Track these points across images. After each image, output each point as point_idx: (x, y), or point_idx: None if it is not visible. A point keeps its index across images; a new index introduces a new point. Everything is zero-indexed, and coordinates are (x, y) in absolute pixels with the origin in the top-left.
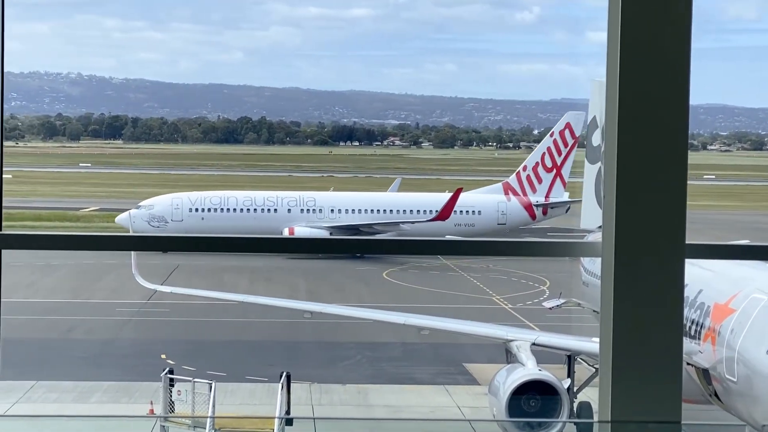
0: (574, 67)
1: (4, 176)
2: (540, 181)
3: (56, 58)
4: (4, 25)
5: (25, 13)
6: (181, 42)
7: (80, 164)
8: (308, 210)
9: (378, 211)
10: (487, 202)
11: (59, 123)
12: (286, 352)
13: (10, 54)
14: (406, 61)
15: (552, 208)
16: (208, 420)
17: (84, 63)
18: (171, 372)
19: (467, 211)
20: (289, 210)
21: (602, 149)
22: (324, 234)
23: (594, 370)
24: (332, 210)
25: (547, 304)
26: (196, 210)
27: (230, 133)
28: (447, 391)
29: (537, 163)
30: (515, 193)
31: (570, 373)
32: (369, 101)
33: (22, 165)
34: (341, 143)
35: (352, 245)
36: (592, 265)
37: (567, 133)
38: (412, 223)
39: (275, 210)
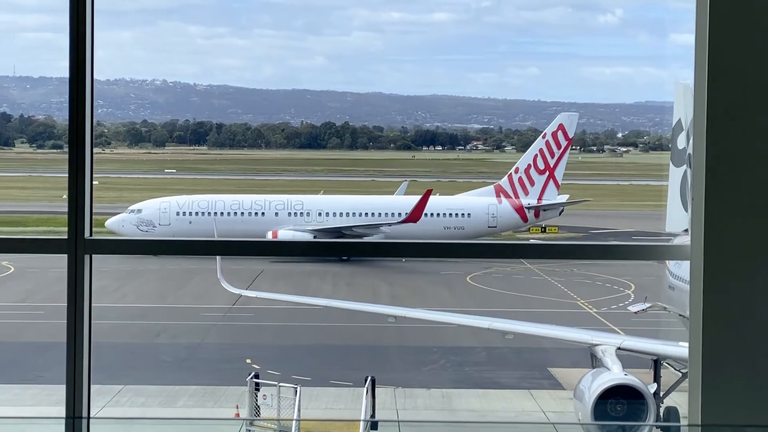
0: (658, 70)
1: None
2: (532, 183)
3: (141, 65)
4: (93, 34)
5: (111, 21)
6: (264, 48)
7: (165, 170)
8: (296, 213)
9: (365, 214)
10: (477, 205)
11: (145, 129)
12: (370, 357)
13: (97, 62)
14: (488, 65)
15: (544, 210)
16: (294, 423)
17: (169, 70)
18: (256, 376)
19: (457, 214)
20: (276, 213)
21: (688, 152)
22: (308, 237)
23: (681, 374)
24: (320, 213)
25: (633, 308)
26: (183, 214)
27: (314, 138)
28: (532, 395)
29: (529, 165)
30: (507, 196)
31: (656, 378)
32: (451, 105)
33: (109, 171)
34: (424, 147)
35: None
36: (678, 268)
37: (560, 134)
38: (389, 225)
39: (262, 213)
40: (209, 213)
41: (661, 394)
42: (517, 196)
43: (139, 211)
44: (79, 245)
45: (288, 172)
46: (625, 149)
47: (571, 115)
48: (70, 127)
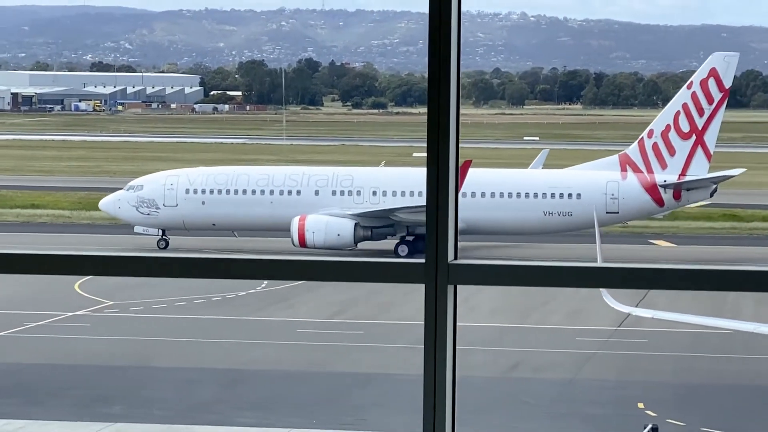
0: None
1: None
2: (672, 151)
3: None
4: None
5: None
6: None
7: (525, 138)
8: (342, 192)
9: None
10: (591, 182)
11: (497, 82)
12: None
13: None
14: None
15: (689, 190)
16: None
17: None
18: (655, 430)
19: (563, 195)
20: (316, 192)
21: None
22: (348, 223)
23: None
24: (374, 192)
25: None
26: (195, 192)
27: (732, 93)
28: None
29: (668, 126)
30: (635, 169)
31: None
32: None
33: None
34: None
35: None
36: None
37: (712, 83)
38: (414, 208)
39: (298, 192)
40: (228, 191)
41: None
42: (650, 171)
43: (140, 187)
44: (440, 272)
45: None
46: None
47: (728, 56)
48: (429, 100)
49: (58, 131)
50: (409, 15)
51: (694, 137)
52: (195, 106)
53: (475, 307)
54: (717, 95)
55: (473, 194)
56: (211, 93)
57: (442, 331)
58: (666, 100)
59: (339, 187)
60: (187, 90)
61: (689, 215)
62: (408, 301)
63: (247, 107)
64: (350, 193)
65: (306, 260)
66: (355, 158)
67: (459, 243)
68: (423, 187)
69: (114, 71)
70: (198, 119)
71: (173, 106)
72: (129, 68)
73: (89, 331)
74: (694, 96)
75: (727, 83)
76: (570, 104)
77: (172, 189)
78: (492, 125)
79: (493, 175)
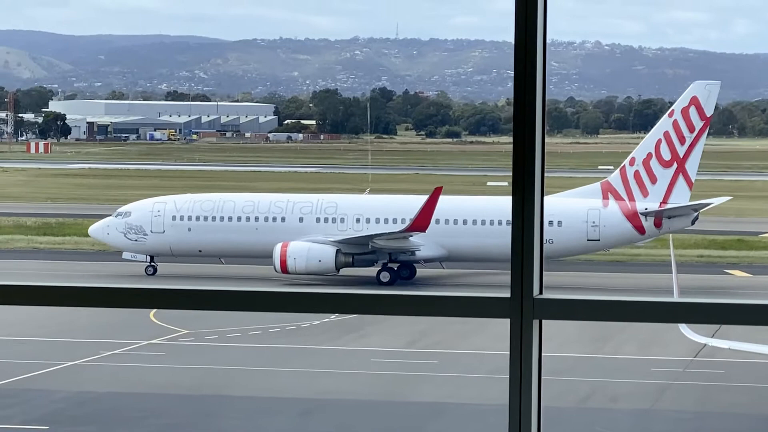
0: None
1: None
2: (654, 179)
3: (566, 21)
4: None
5: None
6: None
7: (599, 167)
8: (326, 219)
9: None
10: (572, 210)
11: (571, 111)
12: None
13: (497, 14)
14: None
15: (670, 218)
16: None
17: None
18: None
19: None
20: (301, 219)
21: None
22: (330, 250)
23: None
24: (357, 219)
25: None
26: (181, 218)
27: None
28: None
29: (650, 155)
30: (617, 197)
31: None
32: None
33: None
34: None
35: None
36: None
37: (693, 111)
38: (391, 234)
39: (283, 219)
40: (214, 218)
41: None
42: (631, 198)
43: (128, 214)
44: (525, 307)
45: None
46: None
47: (709, 85)
48: (515, 132)
49: (133, 160)
50: (482, 44)
51: (675, 165)
52: (269, 135)
53: (551, 337)
54: (698, 123)
55: (455, 221)
56: (285, 122)
57: (527, 365)
58: (742, 129)
59: (323, 215)
60: (261, 119)
61: (765, 245)
62: (482, 331)
63: (321, 136)
64: (334, 220)
65: (389, 294)
66: (430, 187)
67: (441, 269)
68: (405, 214)
69: (188, 100)
70: (272, 148)
71: (247, 135)
72: (203, 97)
73: (164, 360)
74: (675, 124)
75: (708, 111)
76: (645, 133)
77: (159, 216)
78: (566, 154)
79: (475, 202)
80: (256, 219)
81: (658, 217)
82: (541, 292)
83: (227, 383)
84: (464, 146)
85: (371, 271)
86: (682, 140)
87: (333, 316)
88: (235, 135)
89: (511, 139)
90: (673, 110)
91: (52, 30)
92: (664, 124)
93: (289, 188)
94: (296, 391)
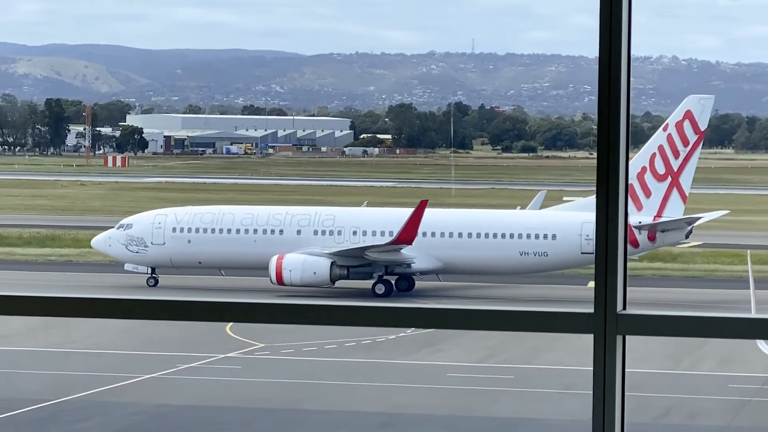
0: None
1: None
2: (648, 193)
3: (642, 35)
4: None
5: None
6: None
7: None
8: (324, 231)
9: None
10: (566, 223)
11: (647, 126)
12: None
13: (576, 29)
14: None
15: (663, 231)
16: None
17: (680, 42)
18: None
19: (538, 235)
20: (298, 231)
21: None
22: (325, 262)
23: None
24: (354, 232)
25: None
26: (181, 230)
27: None
28: None
29: (644, 168)
30: None
31: None
32: None
33: (581, 184)
34: None
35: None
36: None
37: (687, 125)
38: (378, 246)
39: (281, 231)
40: (214, 230)
41: None
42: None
43: (129, 226)
44: (609, 322)
45: None
46: None
47: (703, 99)
48: (599, 147)
49: (210, 174)
50: (558, 59)
51: (669, 179)
52: (345, 149)
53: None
54: (692, 137)
55: (451, 234)
56: (361, 136)
57: (611, 381)
58: None
59: (320, 227)
60: (337, 133)
61: None
62: (558, 347)
63: (397, 150)
64: (331, 232)
65: (468, 309)
66: (507, 202)
67: (434, 282)
68: (398, 225)
69: (265, 114)
70: (348, 162)
71: (323, 149)
72: (280, 111)
73: (240, 373)
74: (669, 138)
75: (702, 125)
76: (722, 148)
77: (160, 228)
78: None
79: (471, 216)
80: (255, 231)
81: (652, 230)
82: (624, 308)
83: (304, 396)
84: (540, 161)
85: (366, 284)
86: (676, 154)
87: (409, 331)
88: (311, 149)
89: (587, 154)
90: (667, 124)
91: (131, 44)
92: (658, 137)
93: (362, 203)
94: (373, 405)
